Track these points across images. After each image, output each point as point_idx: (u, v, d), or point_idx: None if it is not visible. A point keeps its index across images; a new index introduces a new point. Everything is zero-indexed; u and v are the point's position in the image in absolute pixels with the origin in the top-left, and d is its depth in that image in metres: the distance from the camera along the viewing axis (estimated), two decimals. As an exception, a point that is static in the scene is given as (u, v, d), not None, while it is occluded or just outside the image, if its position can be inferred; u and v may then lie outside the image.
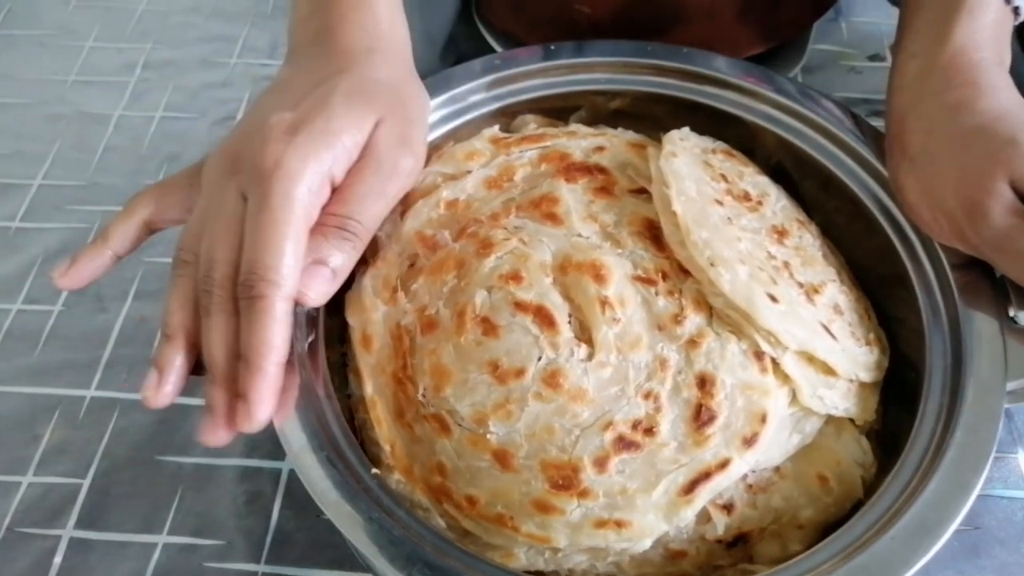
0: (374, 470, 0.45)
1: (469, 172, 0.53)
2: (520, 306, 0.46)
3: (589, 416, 0.43)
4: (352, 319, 0.52)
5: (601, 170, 0.52)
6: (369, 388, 0.48)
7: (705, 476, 0.43)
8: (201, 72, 0.85)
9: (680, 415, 0.44)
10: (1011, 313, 0.49)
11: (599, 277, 0.46)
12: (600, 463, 0.42)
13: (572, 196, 0.51)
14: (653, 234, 0.49)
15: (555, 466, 0.43)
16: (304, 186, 0.39)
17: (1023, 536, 0.55)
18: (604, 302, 0.45)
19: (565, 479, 0.42)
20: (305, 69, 0.46)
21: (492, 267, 0.48)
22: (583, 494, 0.42)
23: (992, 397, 0.45)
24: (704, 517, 0.46)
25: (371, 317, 0.50)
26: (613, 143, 0.54)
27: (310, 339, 0.50)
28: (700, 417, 0.43)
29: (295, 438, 0.44)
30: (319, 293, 0.41)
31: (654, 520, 0.42)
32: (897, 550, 0.40)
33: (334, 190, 0.42)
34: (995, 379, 0.46)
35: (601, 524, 0.42)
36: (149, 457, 0.61)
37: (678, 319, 0.46)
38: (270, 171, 0.39)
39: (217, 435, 0.39)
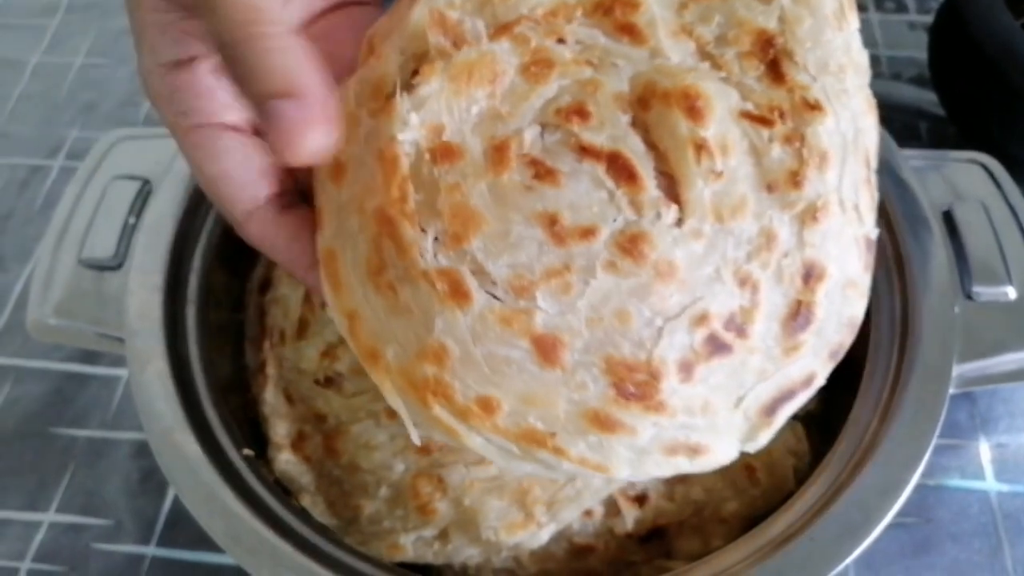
0: (246, 451, 0.41)
1: None
2: (588, 151, 0.33)
3: (677, 303, 0.31)
4: None
5: None
6: (327, 233, 0.33)
7: (789, 394, 0.33)
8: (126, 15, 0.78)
9: (775, 313, 0.32)
10: (968, 290, 0.44)
11: (694, 111, 0.32)
12: (687, 369, 0.31)
13: None
14: (770, 57, 0.34)
15: (627, 367, 0.31)
16: None
17: (978, 531, 0.51)
18: (701, 146, 0.32)
19: (639, 387, 0.31)
20: None
21: (549, 99, 0.34)
22: (658, 408, 0.31)
23: (937, 382, 0.40)
24: (613, 509, 0.41)
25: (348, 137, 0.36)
26: None
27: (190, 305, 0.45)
28: (797, 319, 0.32)
29: (156, 414, 0.40)
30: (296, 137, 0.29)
31: (729, 445, 0.33)
32: (814, 553, 0.36)
33: None
34: (943, 363, 0.41)
35: (673, 450, 0.32)
36: (41, 429, 0.56)
37: (796, 179, 0.32)
38: None
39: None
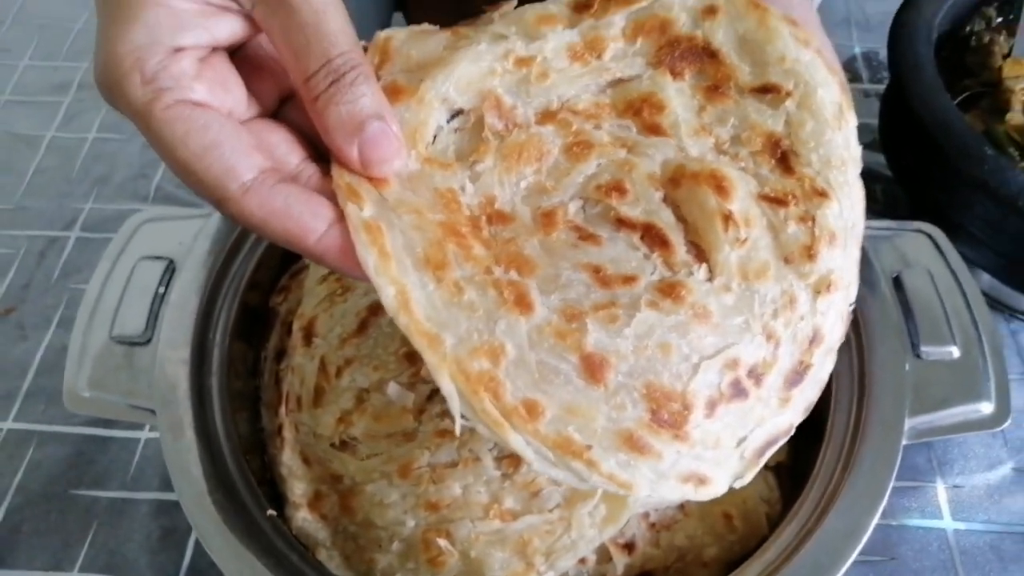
0: (270, 511, 0.45)
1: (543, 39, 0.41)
2: (624, 223, 0.38)
3: (712, 344, 0.35)
4: None
5: (712, 55, 0.41)
6: (367, 210, 0.34)
7: (774, 440, 0.37)
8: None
9: (784, 368, 0.37)
10: (916, 350, 0.49)
11: (721, 189, 0.37)
12: (711, 406, 0.35)
13: (679, 100, 0.40)
14: (778, 154, 0.39)
15: (665, 396, 0.34)
16: None
17: (938, 567, 0.55)
18: (727, 217, 0.37)
19: (672, 416, 0.34)
20: None
21: (589, 175, 0.39)
22: (684, 438, 0.34)
23: (892, 435, 0.45)
24: (604, 556, 0.46)
25: None
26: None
27: (215, 372, 0.49)
28: (796, 376, 0.37)
29: (190, 480, 0.44)
30: (390, 153, 0.35)
31: (725, 480, 0.36)
32: (786, 595, 0.40)
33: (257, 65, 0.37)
34: (896, 417, 0.46)
35: (687, 478, 0.35)
36: (63, 491, 0.59)
37: (810, 253, 0.37)
38: None
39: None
